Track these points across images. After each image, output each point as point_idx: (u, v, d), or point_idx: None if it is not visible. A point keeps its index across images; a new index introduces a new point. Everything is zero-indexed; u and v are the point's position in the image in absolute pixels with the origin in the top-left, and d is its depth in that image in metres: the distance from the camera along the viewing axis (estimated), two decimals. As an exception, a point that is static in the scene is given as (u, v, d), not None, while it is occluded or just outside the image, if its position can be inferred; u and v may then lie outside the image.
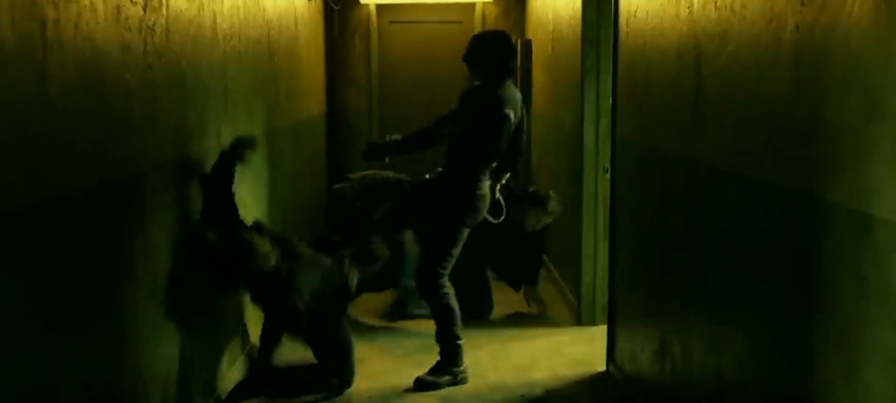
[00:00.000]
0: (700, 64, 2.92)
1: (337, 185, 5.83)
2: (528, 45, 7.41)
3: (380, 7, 8.24)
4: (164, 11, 3.03)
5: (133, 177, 2.77)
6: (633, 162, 3.99)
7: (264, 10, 4.91)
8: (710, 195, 2.85)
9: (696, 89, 2.96)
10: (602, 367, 4.47)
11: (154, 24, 2.93)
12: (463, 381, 4.34)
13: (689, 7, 3.03)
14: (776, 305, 2.32)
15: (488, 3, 8.16)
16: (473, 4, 8.23)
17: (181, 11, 3.24)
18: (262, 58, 4.89)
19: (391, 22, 8.34)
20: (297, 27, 6.19)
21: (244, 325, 4.34)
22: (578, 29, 5.12)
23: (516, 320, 5.46)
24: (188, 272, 3.36)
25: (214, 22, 3.74)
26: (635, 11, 3.82)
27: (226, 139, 3.96)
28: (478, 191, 4.32)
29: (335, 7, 7.93)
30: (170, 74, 3.12)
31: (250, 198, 4.50)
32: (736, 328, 2.63)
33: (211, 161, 3.70)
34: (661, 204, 3.49)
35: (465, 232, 4.38)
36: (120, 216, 2.67)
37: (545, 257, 6.73)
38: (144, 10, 2.83)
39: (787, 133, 2.24)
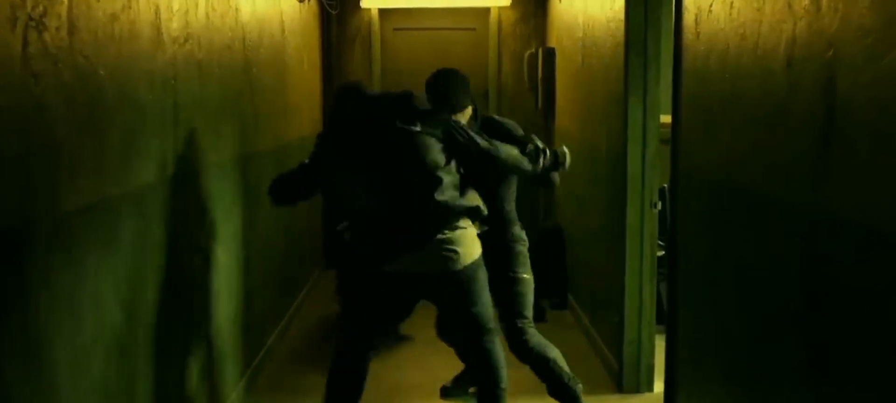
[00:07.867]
0: (833, 76, 2.01)
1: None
2: (550, 55, 6.51)
3: (383, 12, 7.35)
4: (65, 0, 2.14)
5: (3, 232, 1.88)
6: (704, 201, 3.08)
7: (237, 10, 4.02)
8: (860, 265, 1.93)
9: (827, 112, 2.05)
10: (658, 460, 3.56)
11: (43, 15, 2.03)
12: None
13: (810, -7, 2.12)
14: None
15: (505, 7, 7.26)
16: (488, 9, 7.34)
17: (96, 0, 2.34)
18: (235, 68, 4.00)
19: (395, 29, 7.44)
20: (284, 34, 5.30)
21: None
22: (621, 33, 4.21)
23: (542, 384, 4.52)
24: (102, 355, 2.46)
25: (157, 19, 2.85)
26: (710, 6, 2.92)
27: (174, 169, 3.06)
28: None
29: (332, 11, 7.04)
30: (73, 87, 2.21)
31: (211, 243, 3.59)
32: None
33: (151, 198, 2.81)
34: (753, 260, 2.58)
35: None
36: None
37: (571, 300, 5.82)
38: (24, -5, 1.94)
39: None
